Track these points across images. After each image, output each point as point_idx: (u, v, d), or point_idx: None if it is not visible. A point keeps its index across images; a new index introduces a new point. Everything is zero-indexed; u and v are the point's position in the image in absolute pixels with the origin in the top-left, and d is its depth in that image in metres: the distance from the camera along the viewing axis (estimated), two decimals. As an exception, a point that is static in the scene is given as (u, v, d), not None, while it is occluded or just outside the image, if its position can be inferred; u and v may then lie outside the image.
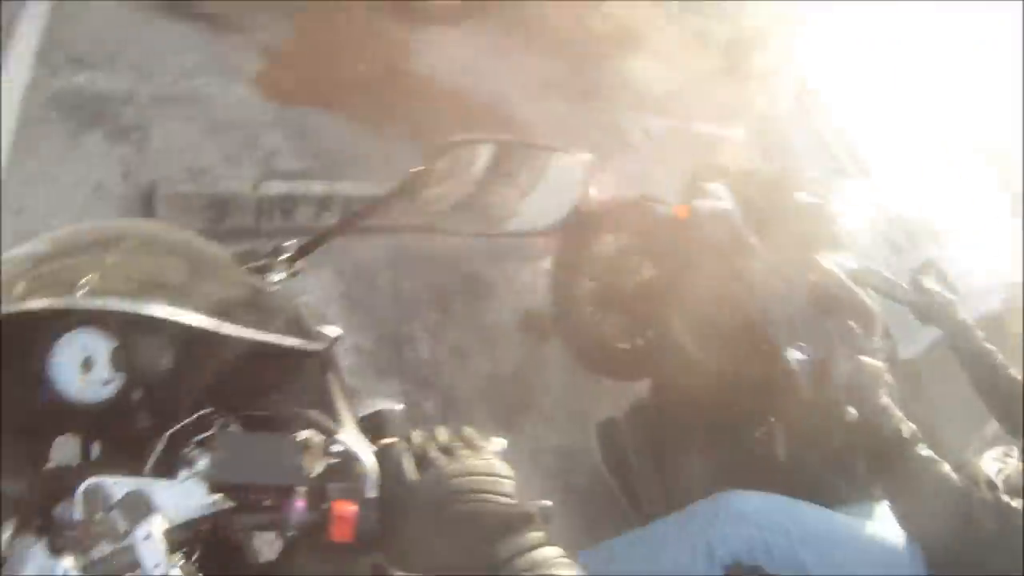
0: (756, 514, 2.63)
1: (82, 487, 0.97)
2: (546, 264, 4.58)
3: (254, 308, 1.24)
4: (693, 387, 3.20)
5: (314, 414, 1.16)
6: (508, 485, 1.04)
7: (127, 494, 0.97)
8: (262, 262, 1.44)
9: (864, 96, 5.03)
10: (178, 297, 1.14)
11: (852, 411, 2.46)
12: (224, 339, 1.12)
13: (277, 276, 1.41)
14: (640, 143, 5.80)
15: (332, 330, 1.25)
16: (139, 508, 0.96)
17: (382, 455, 1.07)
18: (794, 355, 2.72)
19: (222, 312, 1.15)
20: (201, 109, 4.93)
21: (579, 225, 4.07)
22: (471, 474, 1.02)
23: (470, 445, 1.09)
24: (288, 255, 1.45)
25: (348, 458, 1.07)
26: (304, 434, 1.07)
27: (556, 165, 1.39)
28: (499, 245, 4.91)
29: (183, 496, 0.99)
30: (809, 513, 2.70)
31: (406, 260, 4.63)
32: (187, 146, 4.71)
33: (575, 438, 4.13)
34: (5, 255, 1.28)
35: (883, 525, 2.66)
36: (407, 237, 4.65)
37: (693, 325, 3.31)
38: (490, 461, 1.06)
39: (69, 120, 4.58)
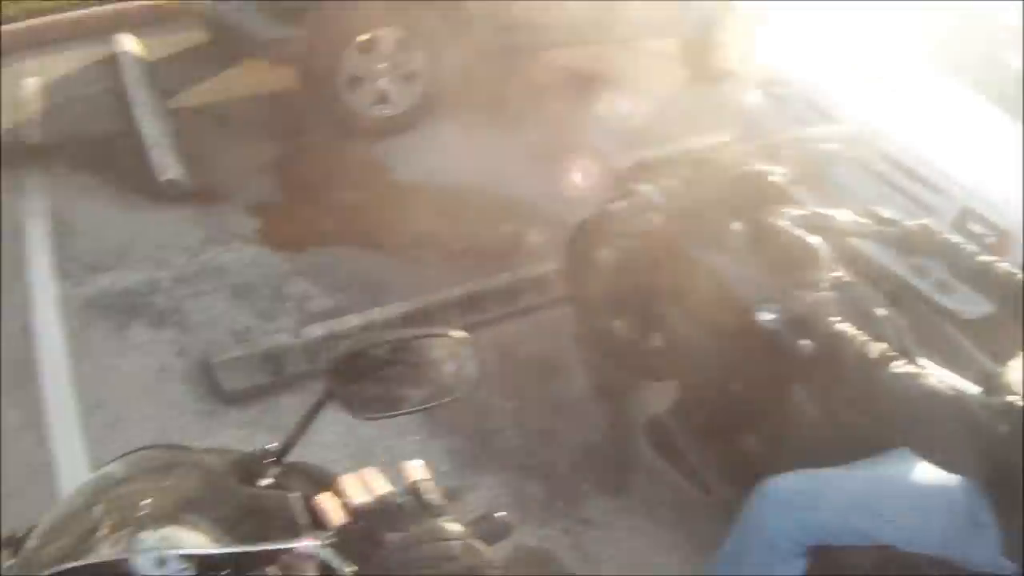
0: (798, 496, 2.61)
1: None
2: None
3: (252, 517, 1.39)
4: (708, 375, 3.36)
5: None
6: None
7: None
8: (254, 468, 1.57)
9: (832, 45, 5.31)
10: (198, 519, 1.35)
11: (806, 343, 2.47)
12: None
13: (266, 480, 1.55)
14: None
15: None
16: None
17: None
18: (764, 316, 2.71)
19: (227, 529, 1.35)
20: (221, 278, 5.21)
21: (573, 244, 4.33)
22: None
23: None
24: (272, 458, 1.59)
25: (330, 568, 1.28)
26: None
27: (447, 348, 1.59)
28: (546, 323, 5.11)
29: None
30: (846, 478, 2.66)
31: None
32: (222, 314, 4.98)
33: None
34: (51, 513, 1.48)
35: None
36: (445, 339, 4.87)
37: (680, 315, 3.44)
38: None
39: (109, 319, 4.85)
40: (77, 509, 1.43)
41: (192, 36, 7.20)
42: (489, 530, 1.32)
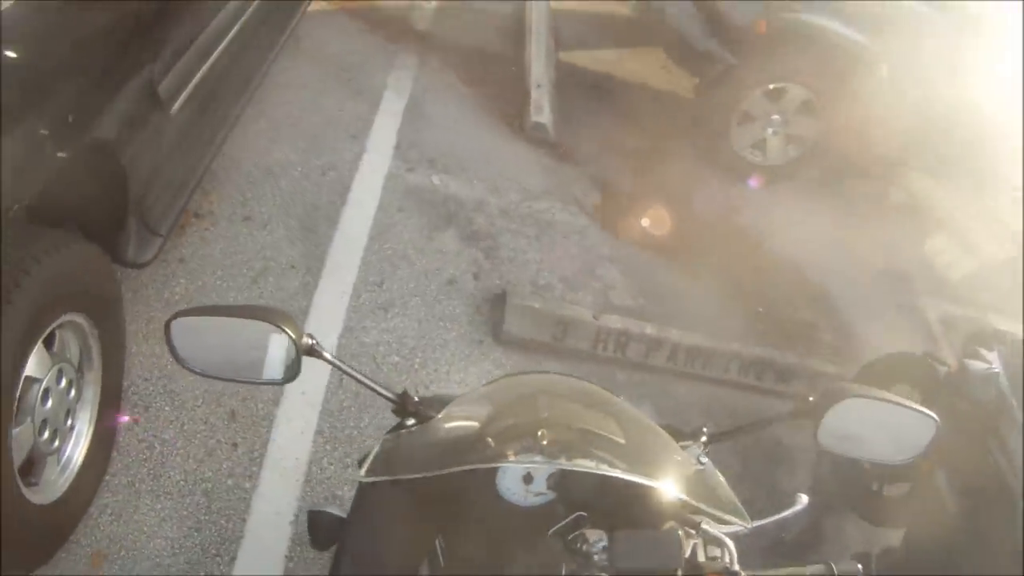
0: None
1: None
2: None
3: (691, 480, 1.50)
4: (946, 537, 3.25)
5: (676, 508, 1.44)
6: None
7: None
8: (686, 442, 1.68)
9: None
10: (625, 454, 1.45)
11: None
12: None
13: (703, 457, 1.64)
14: (937, 333, 5.54)
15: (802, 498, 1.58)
16: None
17: None
18: None
19: (665, 476, 1.45)
20: (546, 231, 4.99)
21: (865, 372, 4.12)
22: None
23: None
24: (705, 440, 1.69)
25: (712, 539, 1.36)
26: (672, 524, 1.39)
27: (910, 419, 1.65)
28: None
29: None
30: None
31: (717, 409, 4.47)
32: (531, 262, 4.74)
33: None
34: (465, 400, 1.65)
35: None
36: (722, 389, 4.59)
37: (952, 476, 3.36)
38: None
39: (424, 214, 4.72)
40: (488, 411, 1.57)
41: (607, 6, 7.27)
42: None
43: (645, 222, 5.42)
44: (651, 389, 4.40)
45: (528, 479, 1.51)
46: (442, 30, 6.28)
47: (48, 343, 2.46)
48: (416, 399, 1.64)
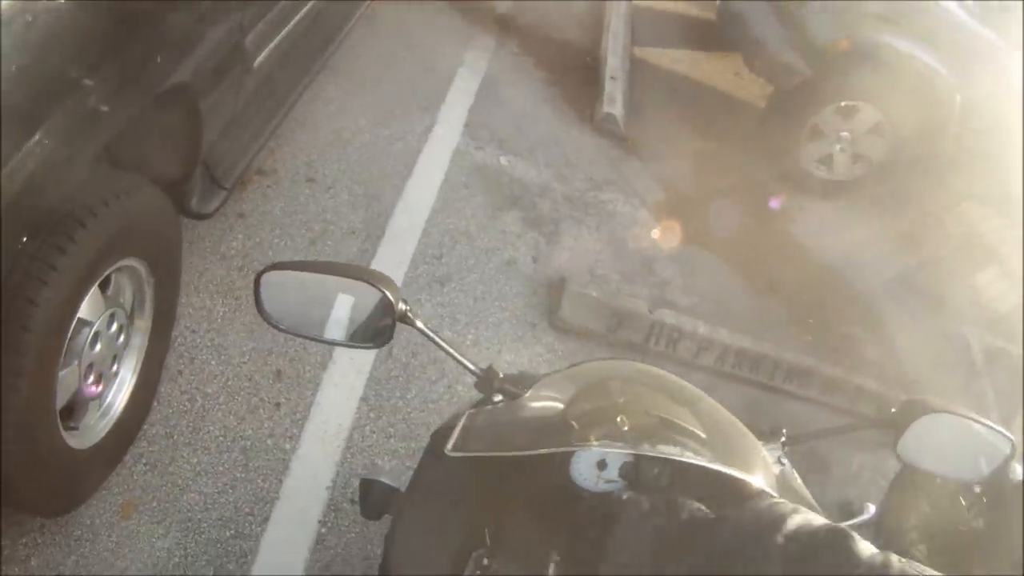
0: None
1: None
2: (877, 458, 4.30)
3: (777, 478, 1.47)
4: None
5: None
6: None
7: None
8: (764, 442, 1.63)
9: None
10: (705, 445, 1.39)
11: None
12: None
13: (784, 458, 1.63)
14: (978, 363, 5.33)
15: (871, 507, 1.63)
16: None
17: None
18: None
19: (751, 470, 1.38)
20: (607, 222, 4.84)
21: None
22: None
23: None
24: (784, 440, 1.66)
25: None
26: None
27: (986, 437, 1.63)
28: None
29: None
30: None
31: (758, 414, 4.26)
32: (589, 251, 4.59)
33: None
34: (549, 382, 1.59)
35: None
36: (762, 393, 4.48)
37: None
38: None
39: (489, 194, 4.58)
40: (570, 394, 1.50)
41: (687, 6, 7.20)
42: None
43: (705, 225, 5.25)
44: (698, 388, 4.20)
45: (602, 465, 1.44)
46: (522, 15, 6.15)
47: (103, 286, 2.33)
48: (501, 376, 1.59)
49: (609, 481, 1.44)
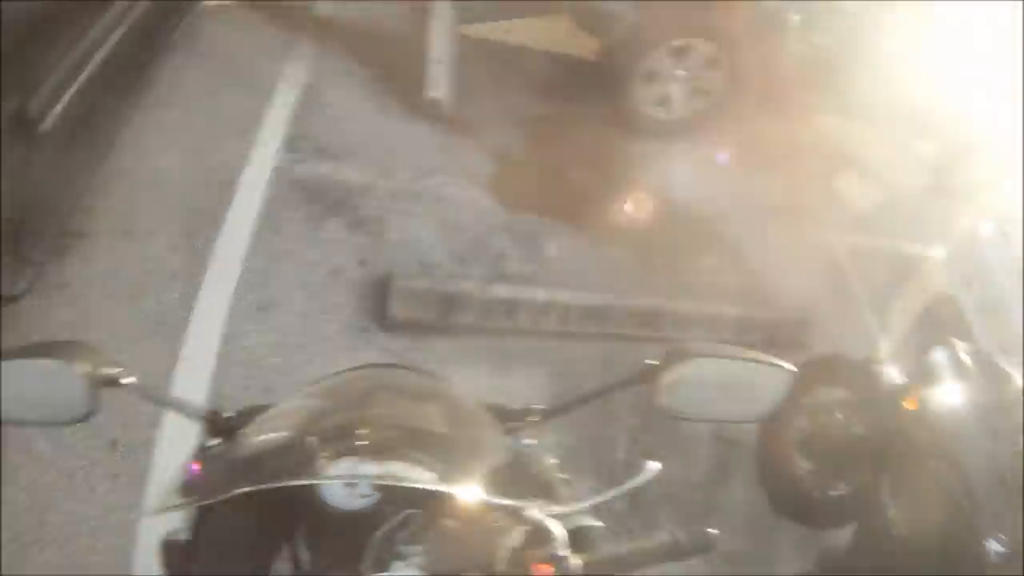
0: None
1: None
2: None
3: (510, 470, 1.36)
4: (889, 551, 3.17)
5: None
6: None
7: None
8: (515, 423, 1.57)
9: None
10: (443, 451, 1.32)
11: None
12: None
13: (528, 440, 1.56)
14: (846, 263, 5.57)
15: (652, 466, 1.40)
16: None
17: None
18: (994, 546, 2.72)
19: (481, 473, 1.29)
20: (436, 208, 4.99)
21: (803, 369, 3.92)
22: None
23: None
24: (537, 418, 1.58)
25: (541, 528, 1.24)
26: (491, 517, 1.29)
27: (762, 373, 1.57)
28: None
29: None
30: None
31: (614, 365, 4.44)
32: (420, 241, 4.76)
33: (755, 544, 3.91)
34: (281, 407, 1.47)
35: None
36: (615, 344, 4.58)
37: (899, 492, 3.21)
38: None
39: (312, 204, 4.72)
40: (302, 414, 1.42)
41: None
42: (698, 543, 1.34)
43: (540, 190, 5.40)
44: (546, 354, 4.42)
45: (351, 483, 1.32)
46: (343, 16, 6.25)
47: None
48: (229, 415, 1.48)
49: (364, 496, 1.31)
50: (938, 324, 4.48)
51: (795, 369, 1.55)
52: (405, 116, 5.55)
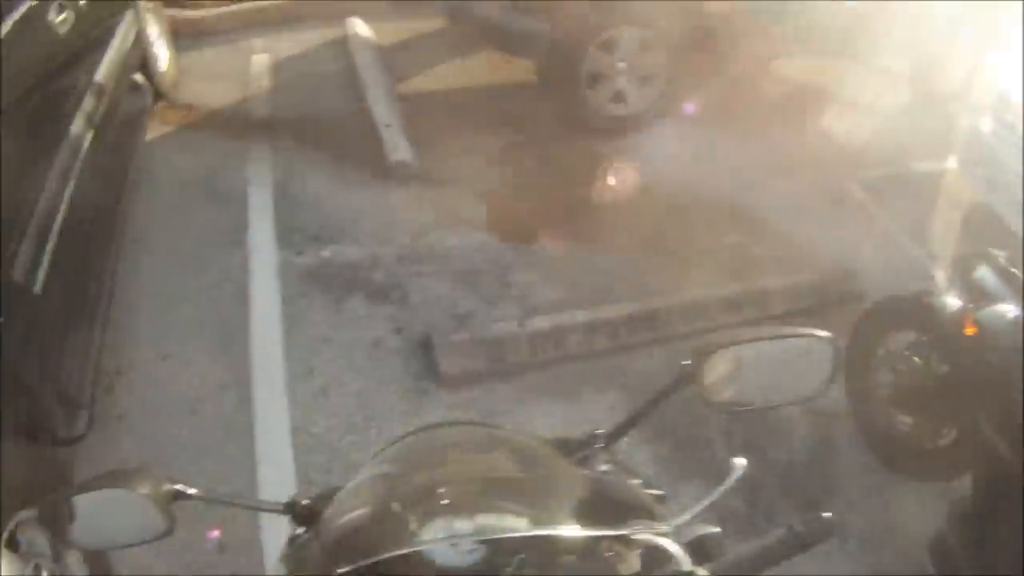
0: None
1: None
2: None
3: (597, 498, 1.33)
4: (1015, 489, 2.85)
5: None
6: None
7: None
8: (582, 453, 1.56)
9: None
10: (527, 494, 1.30)
11: None
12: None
13: (602, 465, 1.53)
14: (867, 200, 5.59)
15: (739, 463, 1.41)
16: None
17: None
18: None
19: (571, 508, 1.27)
20: (445, 260, 4.94)
21: (865, 323, 3.89)
22: None
23: None
24: (601, 444, 1.57)
25: (656, 549, 1.24)
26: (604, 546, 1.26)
27: (804, 347, 1.53)
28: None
29: None
30: None
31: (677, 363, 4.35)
32: (444, 296, 4.69)
33: (879, 519, 3.69)
34: (355, 483, 1.42)
35: None
36: (672, 345, 4.48)
37: (1001, 425, 2.93)
38: None
39: (328, 291, 4.66)
40: (379, 485, 1.40)
41: (424, 24, 7.24)
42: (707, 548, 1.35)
43: (539, 216, 5.38)
44: (607, 374, 4.33)
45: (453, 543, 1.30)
46: (283, 109, 6.26)
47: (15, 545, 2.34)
48: (305, 501, 1.49)
49: (471, 550, 1.28)
50: (979, 235, 4.41)
51: (829, 334, 1.51)
52: (379, 185, 5.54)
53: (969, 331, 3.12)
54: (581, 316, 4.50)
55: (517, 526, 1.22)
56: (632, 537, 1.24)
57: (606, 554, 1.25)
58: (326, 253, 4.89)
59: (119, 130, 4.77)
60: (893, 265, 4.93)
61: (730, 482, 1.39)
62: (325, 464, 3.69)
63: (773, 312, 4.66)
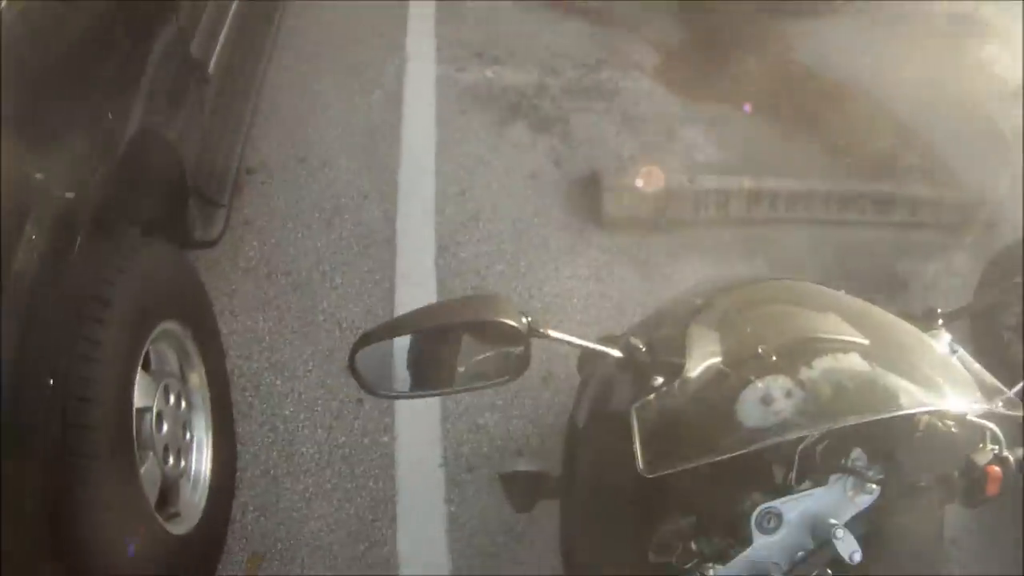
0: None
1: (759, 509, 1.20)
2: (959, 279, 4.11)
3: (943, 373, 1.31)
4: None
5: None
6: None
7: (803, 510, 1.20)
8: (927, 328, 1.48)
9: None
10: (876, 356, 1.27)
11: None
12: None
13: (944, 345, 1.45)
14: (1008, 137, 5.07)
15: None
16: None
17: None
18: None
19: (916, 381, 1.25)
20: (614, 102, 4.55)
21: (1008, 252, 3.65)
22: None
23: None
24: (941, 323, 1.50)
25: (979, 428, 1.26)
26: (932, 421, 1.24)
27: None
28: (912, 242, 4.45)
29: (844, 496, 1.21)
30: None
31: (823, 249, 4.14)
32: (609, 137, 4.32)
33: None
34: (698, 335, 1.39)
35: None
36: (820, 229, 4.24)
37: None
38: None
39: (488, 111, 4.30)
40: (734, 339, 1.37)
41: None
42: None
43: (711, 77, 4.96)
44: (759, 243, 4.06)
45: (768, 400, 1.25)
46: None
47: (145, 364, 2.09)
48: (642, 347, 1.38)
49: (778, 413, 1.24)
50: None
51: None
52: (552, 11, 5.12)
53: None
54: (747, 183, 4.20)
55: (876, 399, 1.21)
56: (966, 418, 1.24)
57: (941, 431, 1.24)
58: (490, 73, 4.51)
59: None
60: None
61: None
62: (469, 291, 3.38)
63: (921, 219, 4.47)
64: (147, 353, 2.09)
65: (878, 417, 1.17)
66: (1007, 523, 2.76)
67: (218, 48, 3.05)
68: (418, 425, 2.91)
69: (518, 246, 3.62)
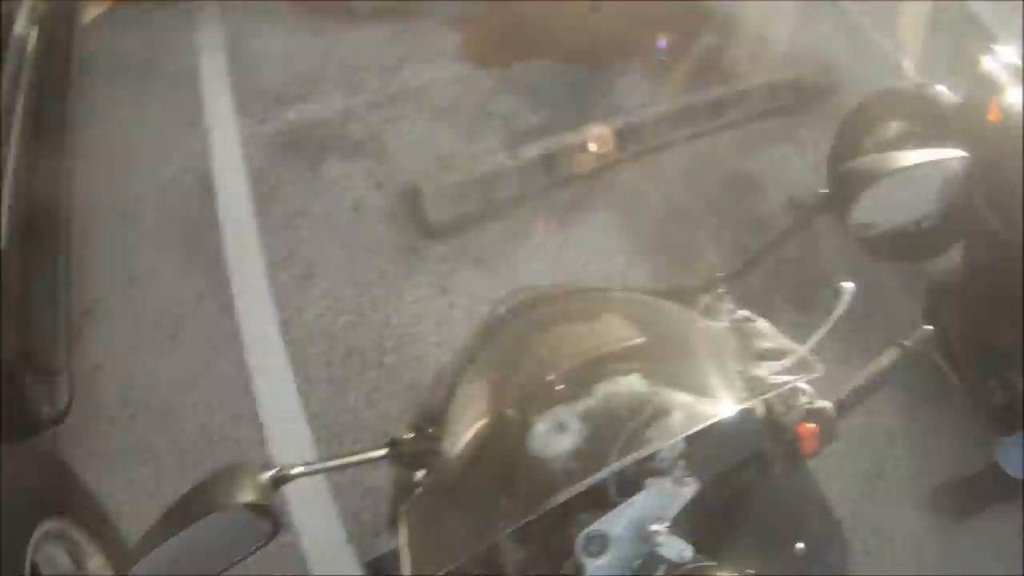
0: None
1: (582, 536, 1.09)
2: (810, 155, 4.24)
3: (724, 356, 1.25)
4: (1002, 261, 3.06)
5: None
6: None
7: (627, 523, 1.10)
8: (703, 303, 1.45)
9: None
10: (655, 369, 1.18)
11: None
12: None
13: (726, 316, 1.40)
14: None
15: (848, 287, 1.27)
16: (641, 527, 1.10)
17: None
18: None
19: (704, 384, 1.19)
20: (422, 99, 4.54)
21: (854, 115, 3.87)
22: None
23: None
24: (723, 289, 1.46)
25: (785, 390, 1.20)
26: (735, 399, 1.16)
27: (931, 169, 1.47)
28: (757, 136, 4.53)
29: (663, 498, 1.11)
30: None
31: (675, 175, 4.24)
32: (424, 138, 4.32)
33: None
34: (456, 407, 1.30)
35: None
36: (665, 153, 4.33)
37: (997, 202, 3.09)
38: None
39: (298, 156, 4.27)
40: (488, 397, 1.28)
41: None
42: None
43: (514, 37, 4.98)
44: (603, 193, 4.12)
45: (561, 428, 1.18)
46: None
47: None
48: (407, 436, 1.32)
49: (565, 456, 1.18)
50: (951, 29, 4.28)
51: (964, 153, 1.46)
52: (342, 27, 5.06)
53: (993, 117, 3.16)
54: (572, 138, 4.22)
55: (641, 391, 1.16)
56: (769, 382, 1.18)
57: (747, 411, 1.19)
58: (290, 115, 4.46)
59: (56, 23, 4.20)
60: (866, 62, 4.76)
61: (841, 309, 1.28)
62: (325, 354, 3.40)
63: (757, 109, 4.57)
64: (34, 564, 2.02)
65: (661, 447, 1.14)
66: (1008, 522, 2.95)
67: (5, 218, 2.88)
68: (313, 513, 2.92)
69: (356, 289, 3.64)
